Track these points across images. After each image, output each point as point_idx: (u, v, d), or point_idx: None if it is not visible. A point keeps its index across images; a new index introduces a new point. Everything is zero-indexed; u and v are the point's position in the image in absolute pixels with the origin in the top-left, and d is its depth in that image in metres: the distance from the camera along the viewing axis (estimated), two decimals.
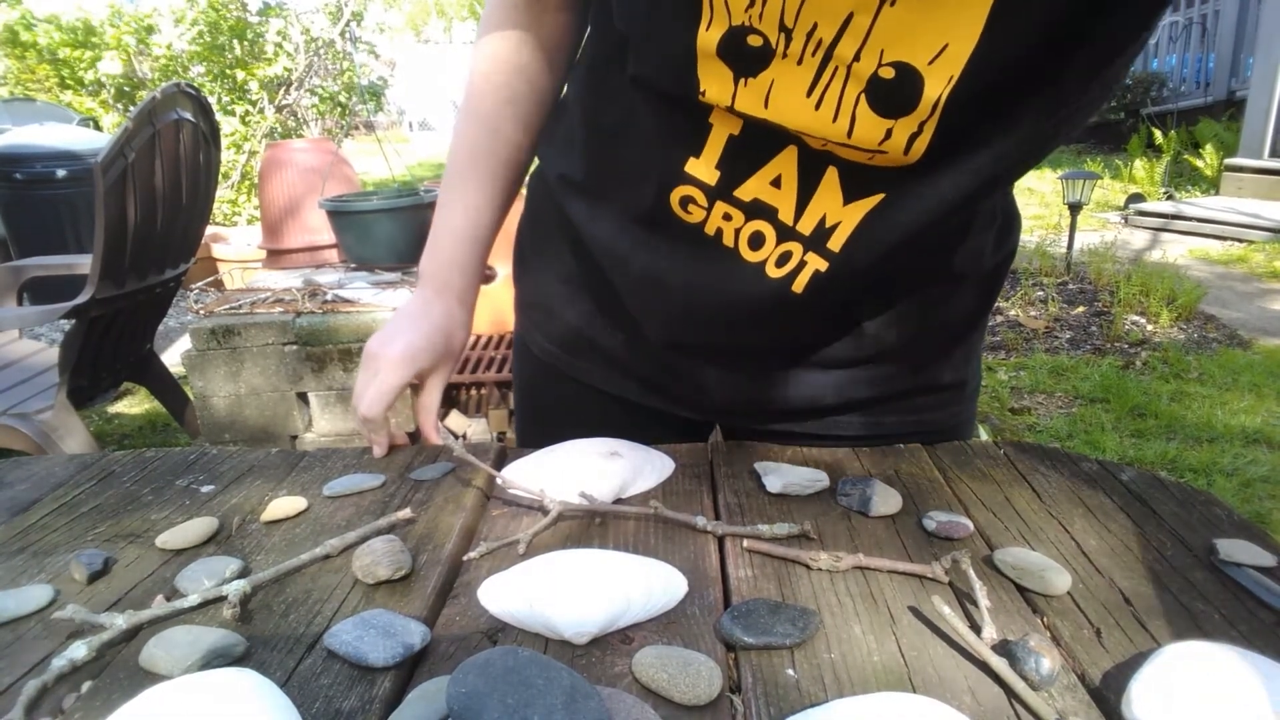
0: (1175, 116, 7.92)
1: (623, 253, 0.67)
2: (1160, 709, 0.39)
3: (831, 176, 0.56)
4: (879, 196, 0.55)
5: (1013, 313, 4.05)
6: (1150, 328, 3.80)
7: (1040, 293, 4.27)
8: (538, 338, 0.81)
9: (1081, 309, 4.06)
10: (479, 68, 0.74)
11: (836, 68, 0.50)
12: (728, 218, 0.60)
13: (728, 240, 0.61)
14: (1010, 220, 0.72)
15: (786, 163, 0.56)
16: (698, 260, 0.63)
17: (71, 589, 0.54)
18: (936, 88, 0.49)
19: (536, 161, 0.79)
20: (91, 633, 0.48)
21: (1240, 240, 5.33)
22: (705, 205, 0.60)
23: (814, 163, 0.55)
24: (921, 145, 0.51)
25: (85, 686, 0.45)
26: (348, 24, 6.30)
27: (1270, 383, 3.14)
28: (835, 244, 0.58)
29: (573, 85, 0.71)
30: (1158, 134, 7.52)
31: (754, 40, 0.51)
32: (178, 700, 0.40)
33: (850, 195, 0.56)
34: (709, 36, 0.52)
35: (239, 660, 0.46)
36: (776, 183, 0.57)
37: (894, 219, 0.56)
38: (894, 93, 0.49)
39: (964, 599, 0.51)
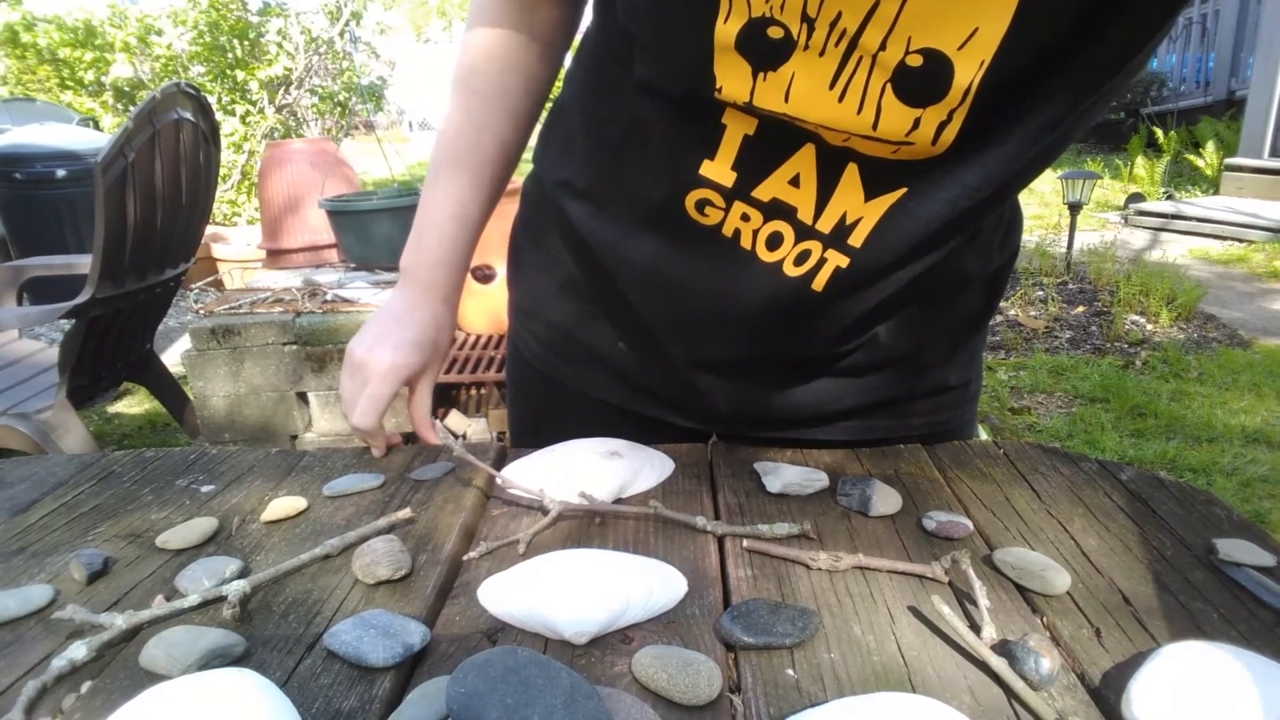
0: (1175, 116, 7.91)
1: (632, 257, 0.65)
2: (1160, 709, 0.39)
3: (852, 172, 0.54)
4: (901, 191, 0.54)
5: (1013, 312, 4.05)
6: (1150, 327, 3.80)
7: (1040, 292, 4.27)
8: (532, 343, 0.80)
9: (1081, 309, 4.06)
10: (467, 60, 0.72)
11: (861, 58, 0.49)
12: (746, 218, 0.58)
13: (745, 242, 0.59)
14: (1014, 220, 0.72)
15: (805, 161, 0.55)
16: (712, 261, 0.61)
17: (71, 589, 0.54)
18: (968, 74, 0.47)
19: (531, 164, 0.77)
20: (91, 633, 0.48)
21: (1240, 240, 5.33)
22: (723, 207, 0.58)
23: (833, 160, 0.54)
24: (950, 134, 0.50)
25: (85, 686, 0.45)
26: (347, 24, 6.30)
27: (1270, 383, 3.14)
28: (856, 240, 0.57)
29: (570, 89, 0.69)
30: (1158, 133, 7.51)
31: (775, 32, 0.49)
32: (177, 700, 0.40)
33: (871, 191, 0.55)
34: (727, 29, 0.50)
35: (239, 660, 0.46)
36: (795, 181, 0.56)
37: (917, 212, 0.55)
38: (922, 81, 0.48)
39: (964, 599, 0.51)
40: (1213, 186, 6.57)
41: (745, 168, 0.56)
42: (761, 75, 0.51)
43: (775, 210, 0.57)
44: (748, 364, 0.70)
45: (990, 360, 3.53)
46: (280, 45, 6.19)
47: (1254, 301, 4.17)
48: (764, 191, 0.57)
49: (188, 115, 2.13)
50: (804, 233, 0.57)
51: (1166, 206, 6.05)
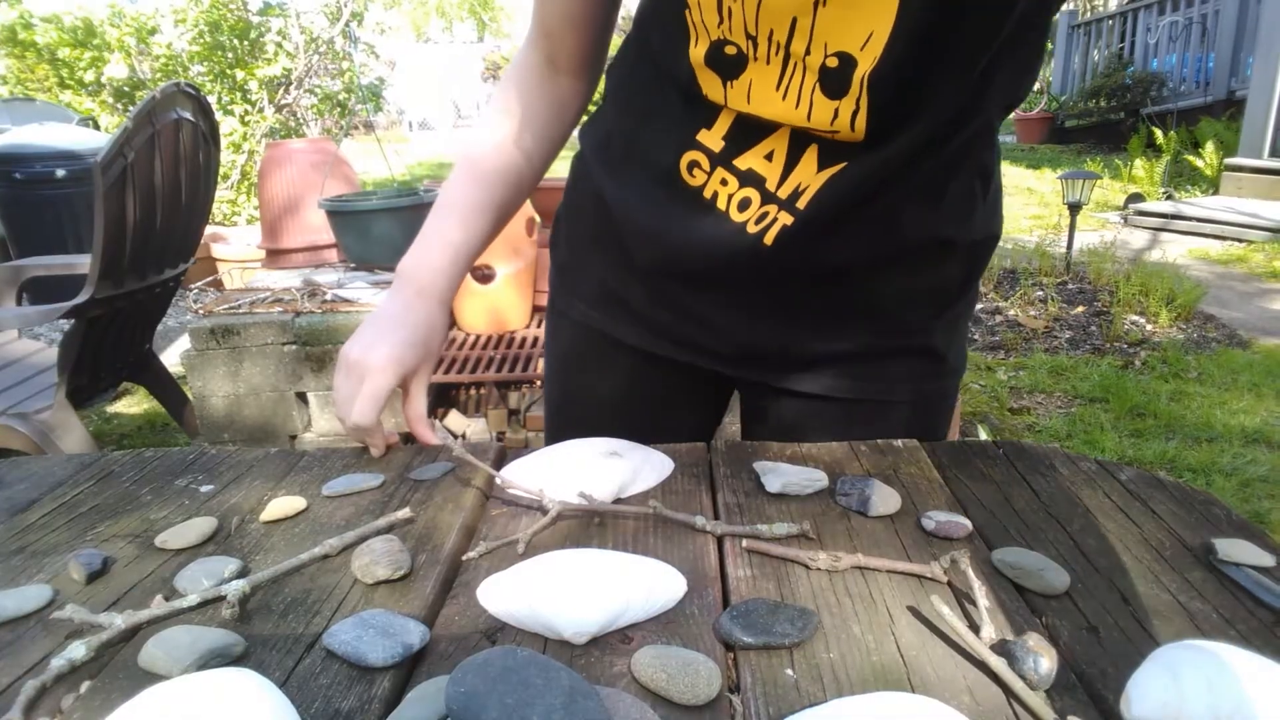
0: (1175, 116, 7.91)
1: (636, 217, 0.76)
2: (1159, 709, 0.39)
3: (812, 150, 0.66)
4: (843, 164, 0.65)
5: (1012, 313, 4.05)
6: (1150, 327, 3.80)
7: (1040, 292, 4.27)
8: (572, 300, 0.87)
9: (1081, 309, 4.06)
10: (488, 136, 0.82)
11: (796, 63, 0.61)
12: (724, 183, 0.69)
13: (721, 204, 0.70)
14: (996, 200, 0.78)
15: (779, 140, 0.66)
16: (695, 220, 0.72)
17: (71, 589, 0.54)
18: (865, 69, 0.58)
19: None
20: (90, 633, 0.48)
21: (1240, 240, 5.33)
22: (707, 170, 0.70)
23: (800, 141, 0.66)
24: (862, 121, 0.61)
25: (84, 686, 0.45)
26: (347, 24, 6.30)
27: (1269, 383, 3.14)
28: (802, 203, 0.67)
29: (610, 84, 0.81)
30: (1158, 134, 7.51)
31: (730, 50, 0.62)
32: (177, 700, 0.40)
33: (822, 165, 0.66)
34: (697, 51, 0.64)
35: (238, 660, 0.46)
36: (769, 156, 0.67)
37: (845, 178, 0.66)
38: (837, 77, 0.60)
39: (963, 599, 0.51)
40: (1212, 186, 6.57)
41: (732, 140, 0.68)
42: (729, 84, 0.65)
43: (748, 179, 0.68)
44: (742, 302, 0.77)
45: (990, 360, 3.53)
46: (280, 45, 6.18)
47: (1253, 301, 4.17)
48: (743, 162, 0.68)
49: (187, 115, 2.13)
50: (768, 198, 0.68)
51: (1166, 206, 6.05)
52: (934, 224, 0.73)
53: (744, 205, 0.69)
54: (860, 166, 0.65)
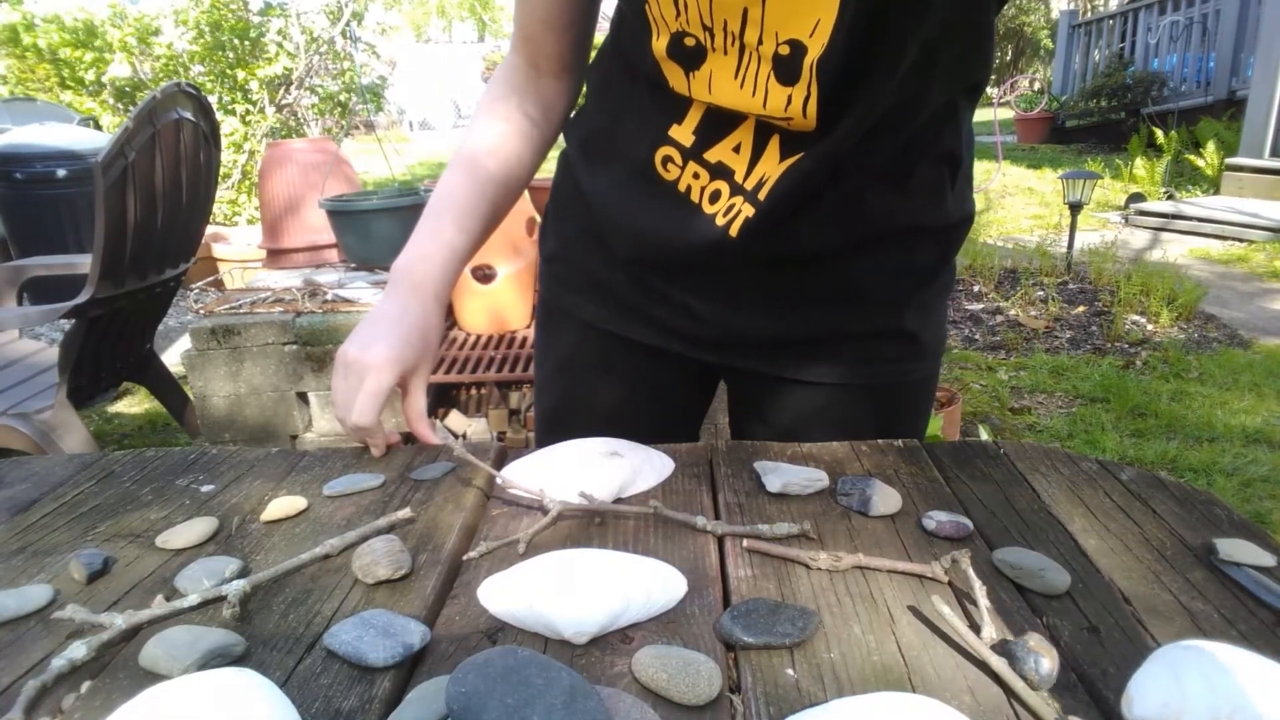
0: (1176, 116, 7.90)
1: (613, 208, 0.79)
2: (1159, 709, 0.39)
3: (774, 142, 0.68)
4: (800, 155, 0.67)
5: (1013, 312, 4.05)
6: (1150, 327, 3.80)
7: (1040, 292, 4.27)
8: (562, 293, 0.88)
9: (1082, 309, 4.06)
10: (477, 140, 0.83)
11: (751, 53, 0.63)
12: (696, 176, 0.72)
13: (694, 197, 0.73)
14: (966, 185, 0.79)
15: (745, 132, 0.69)
16: (670, 212, 0.74)
17: (71, 589, 0.54)
18: (813, 56, 0.61)
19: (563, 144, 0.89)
20: (91, 633, 0.48)
21: (1241, 240, 5.32)
22: (680, 164, 0.73)
23: (764, 132, 0.68)
24: (812, 108, 0.63)
25: (85, 686, 0.45)
26: (347, 24, 6.29)
27: (1270, 383, 3.14)
28: (762, 195, 0.70)
29: (590, 83, 0.83)
30: (1158, 133, 7.50)
31: (689, 41, 0.65)
32: (177, 700, 0.40)
33: (783, 156, 0.68)
34: (659, 44, 0.67)
35: (239, 660, 0.46)
36: (737, 149, 0.70)
37: (799, 169, 0.67)
38: (789, 65, 0.62)
39: (964, 599, 0.51)
40: (1213, 186, 6.56)
41: (702, 134, 0.71)
42: (690, 74, 0.67)
43: (718, 171, 0.71)
44: (712, 294, 0.79)
45: (991, 360, 3.53)
46: (281, 45, 6.18)
47: (1254, 301, 4.17)
48: (712, 155, 0.71)
49: (188, 115, 2.13)
50: (735, 190, 0.71)
51: (1167, 206, 6.05)
52: (902, 211, 0.74)
53: (714, 198, 0.72)
54: (813, 156, 0.67)
